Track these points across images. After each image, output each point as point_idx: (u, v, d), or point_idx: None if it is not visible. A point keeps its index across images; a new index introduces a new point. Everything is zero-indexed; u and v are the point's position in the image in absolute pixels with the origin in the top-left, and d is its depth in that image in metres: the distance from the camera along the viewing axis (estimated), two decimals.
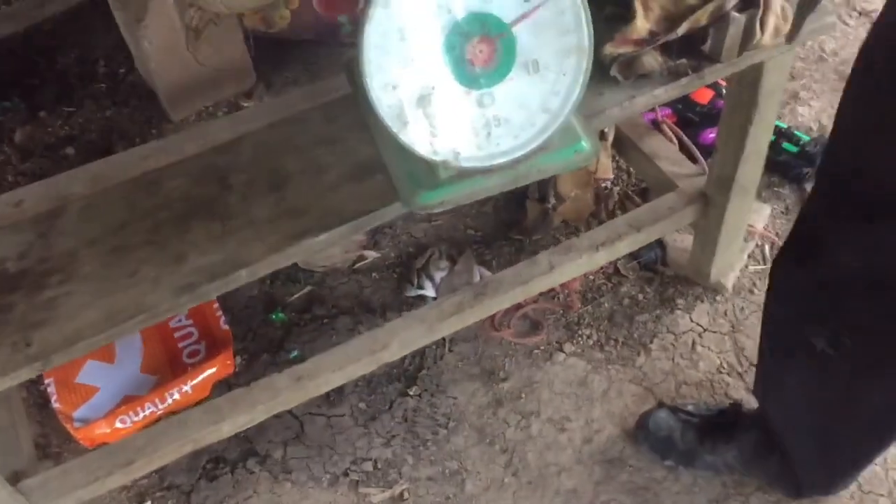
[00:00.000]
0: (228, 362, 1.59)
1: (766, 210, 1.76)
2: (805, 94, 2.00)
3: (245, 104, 2.09)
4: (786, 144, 1.82)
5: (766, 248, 1.71)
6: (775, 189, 1.82)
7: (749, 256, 1.70)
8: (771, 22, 1.18)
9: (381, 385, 1.58)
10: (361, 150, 1.14)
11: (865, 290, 1.00)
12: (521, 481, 1.44)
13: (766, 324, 1.22)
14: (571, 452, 1.47)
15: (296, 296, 1.74)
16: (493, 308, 1.43)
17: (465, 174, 1.06)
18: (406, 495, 1.44)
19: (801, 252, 1.09)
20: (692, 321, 1.62)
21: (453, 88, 1.00)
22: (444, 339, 1.63)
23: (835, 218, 1.01)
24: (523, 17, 1.00)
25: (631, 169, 1.82)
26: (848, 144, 0.98)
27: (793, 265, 1.11)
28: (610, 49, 1.18)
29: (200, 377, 1.56)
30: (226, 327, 1.65)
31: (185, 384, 1.54)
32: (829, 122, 1.93)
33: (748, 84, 1.29)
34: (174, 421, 1.30)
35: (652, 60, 1.18)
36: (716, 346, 1.58)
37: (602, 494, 1.41)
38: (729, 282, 1.64)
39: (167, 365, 1.61)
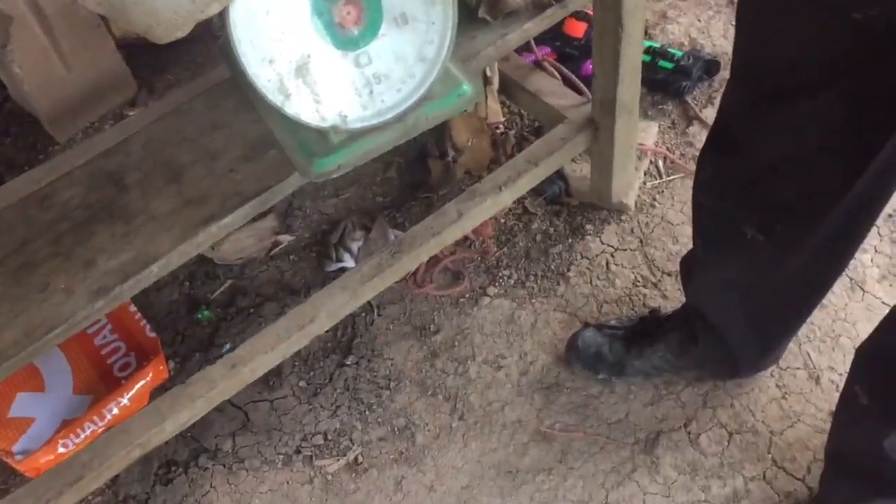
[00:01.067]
0: (161, 368, 1.59)
1: (654, 127, 1.83)
2: (672, 13, 2.08)
3: (130, 113, 2.06)
4: (661, 62, 1.90)
5: (660, 162, 1.79)
6: (659, 107, 1.90)
7: (645, 173, 1.77)
8: None
9: (317, 360, 1.61)
10: (250, 130, 1.16)
11: (787, 171, 1.03)
12: (468, 423, 1.49)
13: (697, 217, 1.25)
14: (511, 387, 1.52)
15: (218, 292, 1.74)
16: (412, 264, 1.46)
17: (355, 136, 1.08)
18: (360, 459, 1.47)
19: (723, 143, 1.11)
20: (603, 243, 1.68)
21: (329, 53, 1.02)
22: (371, 305, 1.66)
23: (749, 106, 1.03)
24: None
25: (521, 111, 1.87)
26: (751, 34, 1.00)
27: (717, 156, 1.13)
28: None
29: (136, 388, 1.55)
30: (152, 335, 1.64)
31: (122, 397, 1.53)
32: (697, 35, 2.02)
33: (610, 7, 1.34)
34: (117, 430, 1.30)
35: None
36: (628, 262, 1.65)
37: (546, 419, 1.47)
38: (630, 200, 1.71)
39: (100, 382, 1.60)
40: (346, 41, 1.03)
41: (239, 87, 1.20)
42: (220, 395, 1.34)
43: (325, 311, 1.38)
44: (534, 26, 1.22)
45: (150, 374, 1.57)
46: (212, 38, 2.13)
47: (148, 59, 2.10)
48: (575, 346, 1.48)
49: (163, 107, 1.25)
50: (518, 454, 1.44)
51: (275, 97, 1.01)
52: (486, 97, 1.60)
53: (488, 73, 1.57)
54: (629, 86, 1.47)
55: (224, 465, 1.49)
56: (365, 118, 1.07)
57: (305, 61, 1.01)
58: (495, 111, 1.64)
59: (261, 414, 1.55)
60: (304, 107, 1.03)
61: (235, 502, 1.45)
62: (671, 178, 1.76)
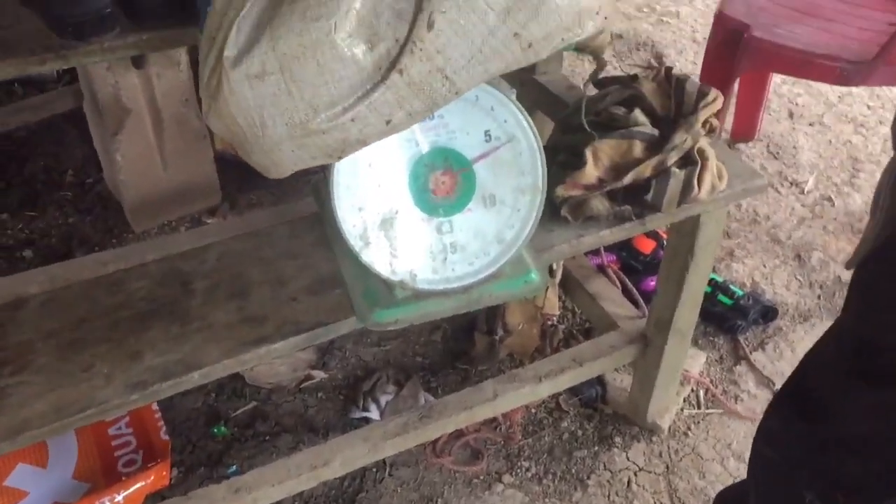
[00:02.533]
0: (164, 474, 1.57)
1: (702, 357, 1.84)
2: (739, 253, 2.13)
3: (208, 221, 2.15)
4: (721, 297, 1.93)
5: (701, 393, 1.78)
6: (710, 338, 1.91)
7: (684, 400, 1.76)
8: (707, 179, 1.30)
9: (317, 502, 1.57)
10: (323, 265, 1.20)
11: (867, 451, 1.01)
12: None
13: (753, 465, 1.21)
14: None
15: (240, 410, 1.74)
16: (438, 431, 1.45)
17: (420, 296, 1.12)
18: None
19: (803, 403, 1.09)
20: (628, 460, 1.65)
21: (415, 215, 1.08)
22: (384, 462, 1.63)
23: (847, 378, 1.01)
24: (483, 155, 1.09)
25: (576, 308, 1.90)
26: (867, 310, 0.99)
27: (791, 412, 1.11)
28: (561, 191, 1.27)
29: (133, 488, 1.52)
30: (165, 437, 1.63)
31: (118, 494, 1.51)
32: (760, 279, 2.06)
33: (686, 234, 1.39)
34: None
35: (599, 205, 1.27)
36: (650, 485, 1.61)
37: None
38: (665, 423, 1.69)
39: (101, 472, 1.58)
40: (433, 207, 1.09)
41: (322, 222, 1.27)
42: None
43: (342, 457, 1.37)
44: (610, 235, 1.27)
45: (152, 478, 1.55)
46: (302, 172, 2.24)
47: (237, 175, 2.21)
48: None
49: (244, 224, 1.32)
50: None
51: (355, 242, 1.06)
52: (547, 288, 1.64)
53: (553, 266, 1.61)
54: (688, 312, 1.50)
55: None
56: (433, 281, 1.11)
57: (392, 216, 1.07)
58: (552, 303, 1.67)
59: None
60: (380, 258, 1.07)
61: None
62: (709, 411, 1.75)
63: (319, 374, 1.82)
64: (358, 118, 0.93)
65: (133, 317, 1.12)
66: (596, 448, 1.68)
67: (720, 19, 1.95)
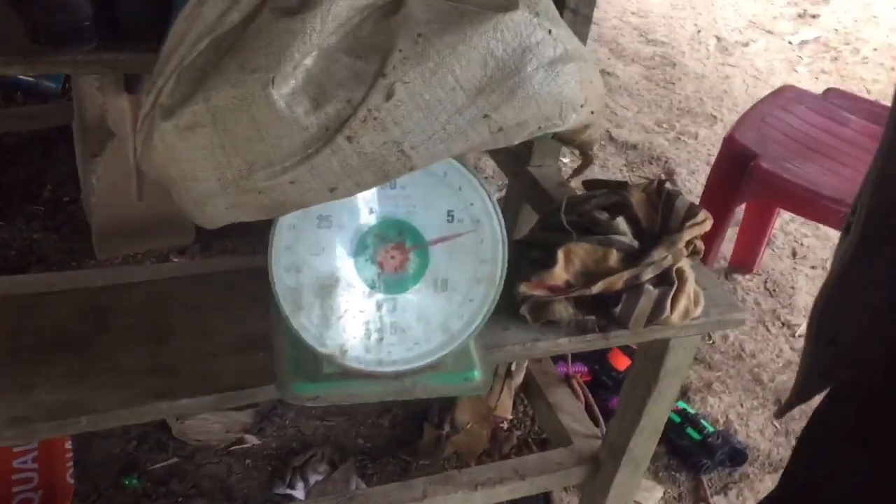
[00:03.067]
0: None
1: (659, 492, 1.72)
2: (718, 387, 2.03)
3: (175, 259, 2.07)
4: (690, 429, 1.82)
5: None
6: (672, 472, 1.79)
7: None
8: (682, 303, 1.22)
9: None
10: (255, 324, 1.11)
11: None
12: None
13: None
14: None
15: (158, 465, 1.62)
16: None
17: (348, 374, 1.02)
18: None
19: None
20: None
21: (357, 286, 0.99)
22: None
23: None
24: (443, 239, 1.01)
25: (535, 416, 1.79)
26: None
27: None
28: (524, 288, 1.19)
29: None
30: (71, 481, 1.52)
31: None
32: (735, 419, 1.95)
33: (653, 358, 1.30)
34: None
35: (563, 309, 1.19)
36: None
37: None
38: None
39: None
40: (378, 282, 1.00)
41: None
42: None
43: None
44: (568, 343, 1.18)
45: None
46: None
47: None
48: None
49: (192, 268, 1.24)
50: None
51: (287, 305, 0.97)
52: (503, 389, 1.54)
53: (512, 368, 1.52)
54: (644, 441, 1.39)
55: None
56: (365, 361, 1.01)
57: (332, 284, 0.98)
58: (505, 406, 1.57)
59: None
60: (310, 326, 0.98)
61: None
62: None
63: (252, 440, 1.71)
64: (298, 181, 0.85)
65: (36, 345, 1.03)
66: None
67: (729, 143, 1.90)
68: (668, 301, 1.20)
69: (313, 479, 1.63)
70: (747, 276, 2.41)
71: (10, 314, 1.06)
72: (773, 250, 2.56)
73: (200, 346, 1.07)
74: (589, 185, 1.39)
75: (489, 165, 2.66)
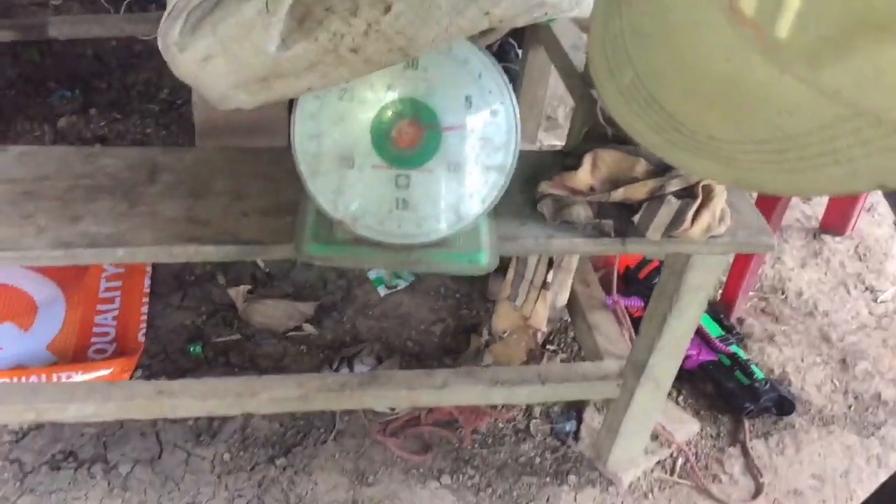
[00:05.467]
0: (126, 372, 1.61)
1: (695, 427, 1.72)
2: (781, 339, 1.98)
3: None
4: (739, 373, 1.79)
5: (679, 461, 1.66)
6: (715, 412, 1.78)
7: (658, 463, 1.64)
8: (705, 218, 1.21)
9: (254, 445, 1.57)
10: (288, 194, 1.19)
11: None
12: None
13: None
14: None
15: (222, 339, 1.76)
16: (375, 401, 1.43)
17: (359, 241, 1.10)
18: None
19: None
20: (575, 501, 1.56)
21: (372, 158, 1.06)
22: (334, 425, 1.61)
23: None
24: (458, 127, 1.06)
25: (575, 336, 1.82)
26: None
27: None
28: (545, 187, 1.22)
29: (93, 374, 1.58)
30: (142, 339, 1.68)
31: (77, 373, 1.56)
32: (792, 371, 1.90)
33: (675, 274, 1.30)
34: (27, 386, 1.32)
35: (581, 211, 1.21)
36: None
37: None
38: (626, 478, 1.59)
39: (72, 351, 1.65)
40: (393, 156, 1.06)
41: None
42: (131, 410, 1.33)
43: (270, 395, 1.36)
44: (583, 245, 1.20)
45: (113, 369, 1.59)
46: None
47: None
48: None
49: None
50: None
51: (305, 169, 1.05)
52: (537, 299, 1.57)
53: (548, 280, 1.55)
54: (665, 360, 1.40)
55: (109, 484, 1.46)
56: (374, 231, 1.09)
57: (349, 154, 1.05)
58: (540, 317, 1.60)
59: (174, 460, 1.52)
60: (326, 191, 1.06)
61: None
62: (680, 481, 1.62)
63: (310, 329, 1.82)
64: (313, 86, 0.96)
65: (91, 186, 1.16)
66: (547, 479, 1.59)
67: None
68: (690, 214, 1.20)
69: (358, 369, 1.73)
70: (837, 239, 2.31)
71: (74, 162, 1.20)
72: (874, 216, 2.44)
73: (233, 206, 1.17)
74: None
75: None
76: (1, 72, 2.39)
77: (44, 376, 1.54)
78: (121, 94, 2.40)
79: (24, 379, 1.53)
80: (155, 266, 1.85)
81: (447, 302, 1.94)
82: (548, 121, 2.75)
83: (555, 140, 2.51)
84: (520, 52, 2.35)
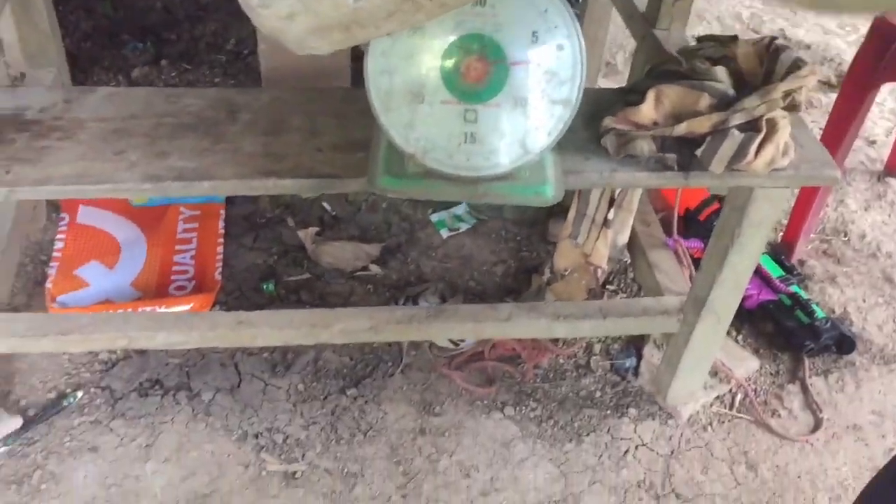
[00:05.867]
0: (205, 307, 1.70)
1: (754, 364, 1.74)
2: (843, 280, 1.98)
3: None
4: (799, 312, 1.80)
5: (738, 397, 1.69)
6: (774, 351, 1.80)
7: (717, 398, 1.68)
8: (768, 151, 1.23)
9: (326, 376, 1.65)
10: (361, 131, 1.24)
11: None
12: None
13: None
14: (464, 498, 1.47)
15: (293, 278, 1.84)
16: (442, 332, 1.48)
17: (429, 174, 1.14)
18: (298, 475, 1.48)
19: None
20: (635, 432, 1.61)
21: (442, 93, 1.10)
22: (401, 358, 1.68)
23: None
24: (524, 62, 1.09)
25: (635, 275, 1.85)
26: None
27: None
28: (609, 121, 1.25)
29: (174, 308, 1.66)
30: (218, 277, 1.77)
31: (160, 307, 1.65)
32: (853, 311, 1.91)
33: (738, 208, 1.32)
34: (119, 314, 1.41)
35: (644, 145, 1.23)
36: (646, 462, 1.56)
37: None
38: (685, 411, 1.63)
39: (154, 287, 1.74)
40: (461, 91, 1.10)
41: None
42: (213, 339, 1.42)
43: (342, 326, 1.43)
44: (646, 178, 1.23)
45: (193, 304, 1.68)
46: None
47: None
48: None
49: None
50: None
51: (378, 104, 1.10)
52: (598, 238, 1.61)
53: (609, 218, 1.58)
54: (726, 294, 1.42)
55: (193, 410, 1.56)
56: (443, 164, 1.13)
57: (419, 90, 1.09)
58: (600, 255, 1.64)
59: (252, 389, 1.60)
60: (398, 125, 1.10)
61: (176, 446, 1.50)
62: (739, 415, 1.66)
63: (376, 269, 1.89)
64: (393, 32, 1.00)
65: (176, 125, 1.22)
66: (607, 412, 1.64)
67: (878, 25, 1.79)
68: (753, 147, 1.21)
69: (423, 306, 1.79)
70: None
71: (158, 102, 1.26)
72: None
73: (309, 142, 1.22)
74: (701, 39, 1.41)
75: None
76: (77, 25, 2.48)
77: (130, 310, 1.63)
78: (190, 46, 2.47)
79: (111, 312, 1.62)
80: (228, 209, 1.93)
81: (508, 244, 1.98)
82: (607, 66, 2.75)
83: (614, 86, 2.51)
84: None
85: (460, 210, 2.05)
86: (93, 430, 1.51)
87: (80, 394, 1.55)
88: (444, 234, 2.00)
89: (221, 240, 1.85)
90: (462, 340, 1.71)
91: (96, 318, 1.39)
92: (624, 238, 1.75)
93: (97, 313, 1.43)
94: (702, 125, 1.23)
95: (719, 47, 1.36)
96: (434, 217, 2.02)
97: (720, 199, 1.92)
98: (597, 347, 1.75)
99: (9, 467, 1.44)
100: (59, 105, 1.23)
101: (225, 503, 1.43)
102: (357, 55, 2.30)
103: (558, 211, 1.89)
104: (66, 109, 1.22)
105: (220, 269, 1.78)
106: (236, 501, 1.44)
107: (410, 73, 1.09)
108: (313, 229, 1.94)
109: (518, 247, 1.98)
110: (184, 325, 1.40)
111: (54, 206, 1.87)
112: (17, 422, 1.48)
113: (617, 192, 1.60)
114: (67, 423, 1.51)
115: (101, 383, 1.58)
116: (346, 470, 1.50)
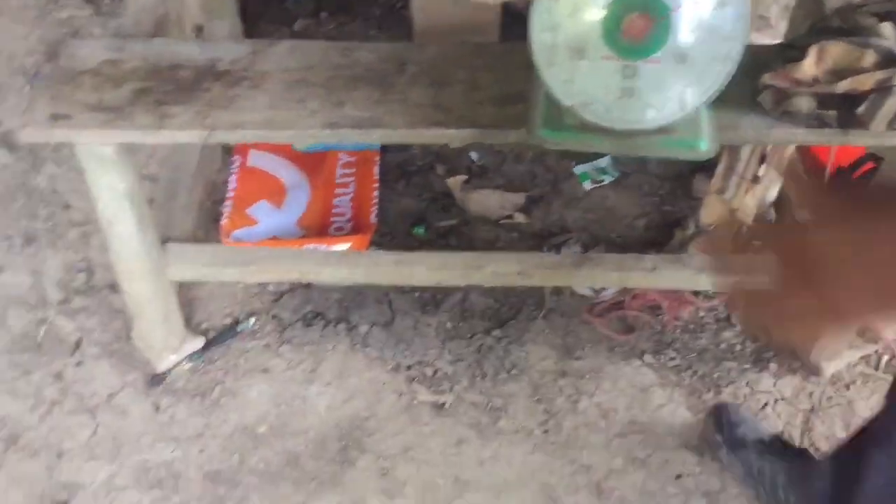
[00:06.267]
0: (362, 247, 1.82)
1: None
2: None
3: None
4: None
5: (884, 358, 1.67)
6: None
7: (862, 358, 1.67)
8: None
9: (473, 317, 1.74)
10: (519, 85, 1.31)
11: None
12: (547, 439, 1.55)
13: None
14: (603, 437, 1.55)
15: (442, 223, 1.94)
16: (587, 280, 1.55)
17: (586, 127, 1.20)
18: (446, 406, 1.60)
19: None
20: (775, 387, 1.63)
21: (602, 49, 1.14)
22: (544, 303, 1.76)
23: None
24: (687, 18, 1.12)
25: None
26: None
27: None
28: (768, 78, 1.26)
29: (336, 246, 1.79)
30: (374, 220, 1.89)
31: (322, 245, 1.79)
32: None
33: None
34: (292, 250, 1.55)
35: (803, 102, 1.24)
36: (786, 415, 1.59)
37: (611, 480, 1.48)
38: (829, 368, 1.63)
39: (316, 228, 1.87)
40: (622, 47, 1.14)
41: None
42: (372, 276, 1.54)
43: (493, 269, 1.51)
44: (804, 135, 1.24)
45: (351, 244, 1.81)
46: None
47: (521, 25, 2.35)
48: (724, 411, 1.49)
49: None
50: (567, 491, 1.48)
51: (541, 59, 1.15)
52: (746, 191, 1.61)
53: (759, 173, 1.58)
54: None
55: (351, 341, 1.69)
56: (601, 117, 1.18)
57: (581, 45, 1.14)
58: (748, 210, 1.64)
59: (405, 324, 1.72)
60: (558, 79, 1.16)
61: (337, 372, 1.64)
62: (885, 377, 1.65)
63: (521, 218, 1.96)
64: None
65: (351, 76, 1.32)
66: (747, 366, 1.67)
67: None
68: None
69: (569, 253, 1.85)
70: None
71: (334, 55, 1.36)
72: None
73: (471, 95, 1.30)
74: None
75: None
76: None
77: (295, 247, 1.78)
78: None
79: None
80: (382, 156, 2.04)
81: (651, 198, 2.01)
82: (760, 20, 2.68)
83: (766, 40, 2.45)
84: None
85: (604, 163, 2.08)
86: (264, 354, 1.67)
87: (252, 320, 1.71)
88: (588, 185, 2.04)
89: (377, 185, 1.97)
90: (603, 289, 1.77)
91: (272, 252, 1.54)
92: (772, 195, 1.74)
93: (272, 248, 1.58)
94: (865, 82, 1.22)
95: (885, 2, 1.33)
96: (578, 169, 2.06)
97: (876, 158, 1.88)
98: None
99: (193, 382, 1.62)
100: (247, 57, 1.35)
101: (381, 426, 1.56)
102: (508, 11, 2.35)
103: (703, 166, 1.90)
104: (252, 61, 1.34)
105: (375, 213, 1.90)
106: (391, 426, 1.57)
107: (573, 30, 1.14)
108: (461, 177, 2.02)
109: (661, 201, 2.00)
110: (349, 262, 1.52)
111: (227, 150, 2.03)
112: (199, 342, 1.65)
113: (768, 148, 1.60)
114: (242, 346, 1.68)
115: (271, 312, 1.74)
116: (490, 405, 1.60)
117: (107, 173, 1.30)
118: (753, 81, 1.28)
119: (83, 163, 1.30)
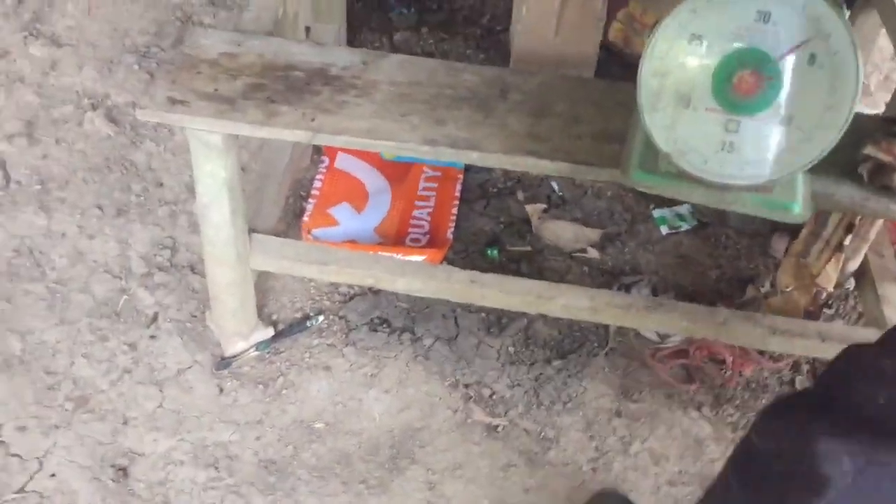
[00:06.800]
0: (435, 261, 1.86)
1: None
2: None
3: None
4: None
5: None
6: None
7: None
8: None
9: (535, 345, 1.76)
10: (618, 123, 1.32)
11: None
12: (595, 477, 1.55)
13: None
14: (652, 483, 1.55)
15: (516, 248, 1.96)
16: (655, 324, 1.55)
17: (681, 175, 1.21)
18: (500, 429, 1.61)
19: None
20: None
21: (708, 101, 1.16)
22: (606, 341, 1.76)
23: None
24: (798, 82, 1.12)
25: (860, 305, 1.82)
26: None
27: None
28: (871, 150, 1.26)
29: (409, 257, 1.83)
30: (450, 236, 1.92)
31: (397, 254, 1.82)
32: None
33: None
34: (370, 255, 1.59)
35: None
36: None
37: None
38: None
39: (393, 236, 1.92)
40: (729, 102, 1.15)
41: None
42: (447, 292, 1.56)
43: (564, 301, 1.53)
44: None
45: (426, 256, 1.84)
46: None
47: (617, 66, 2.36)
48: None
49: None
50: None
51: (646, 104, 1.17)
52: (829, 259, 1.60)
53: (845, 243, 1.57)
54: None
55: (414, 351, 1.72)
56: (697, 167, 1.19)
57: (688, 94, 1.16)
58: (828, 277, 1.63)
59: (468, 343, 1.75)
60: (660, 125, 1.17)
61: (396, 380, 1.67)
62: None
63: (594, 253, 1.97)
64: None
65: (454, 96, 1.36)
66: None
67: None
68: None
69: (642, 295, 1.85)
70: None
71: (441, 73, 1.40)
72: None
73: (570, 129, 1.32)
74: None
75: None
76: None
77: (370, 253, 1.82)
78: (449, 16, 2.63)
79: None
80: (465, 175, 2.07)
81: (726, 251, 2.00)
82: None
83: (864, 109, 2.43)
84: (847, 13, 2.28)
85: (683, 209, 2.08)
86: (328, 352, 1.71)
87: (321, 318, 1.75)
88: (664, 230, 2.04)
89: (456, 202, 2.00)
90: (668, 335, 1.77)
91: (351, 255, 1.58)
92: (854, 265, 1.72)
93: (351, 251, 1.62)
94: None
95: None
96: (656, 212, 2.07)
97: None
98: (804, 367, 1.75)
99: (257, 370, 1.67)
100: (358, 65, 1.40)
101: (433, 440, 1.59)
102: (605, 47, 2.36)
103: (784, 226, 1.89)
104: (363, 70, 1.39)
105: (452, 229, 1.93)
106: (443, 441, 1.59)
107: (682, 79, 1.15)
108: (540, 206, 2.05)
109: (736, 255, 1.99)
110: (424, 275, 1.55)
111: (317, 149, 2.09)
112: (269, 332, 1.70)
113: (858, 218, 1.59)
114: (308, 341, 1.72)
115: (340, 313, 1.78)
116: (542, 434, 1.61)
117: (211, 161, 1.36)
118: (852, 150, 1.28)
119: (191, 148, 1.36)
